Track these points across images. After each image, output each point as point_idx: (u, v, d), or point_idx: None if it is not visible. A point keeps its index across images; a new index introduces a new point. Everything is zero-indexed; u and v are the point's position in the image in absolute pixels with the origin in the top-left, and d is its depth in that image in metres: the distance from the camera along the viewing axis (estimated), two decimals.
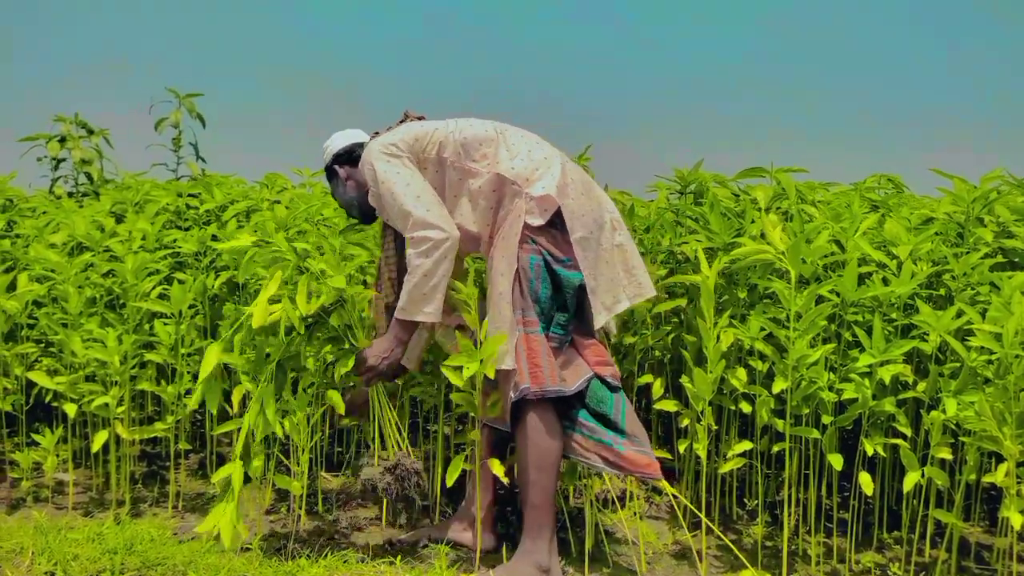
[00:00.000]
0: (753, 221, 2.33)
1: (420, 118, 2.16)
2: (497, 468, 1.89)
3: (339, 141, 2.19)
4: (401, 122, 2.16)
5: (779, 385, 1.93)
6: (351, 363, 1.97)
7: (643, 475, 1.91)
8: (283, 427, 1.86)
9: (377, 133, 2.13)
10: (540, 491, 1.85)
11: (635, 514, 2.33)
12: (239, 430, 1.87)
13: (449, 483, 1.90)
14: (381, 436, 2.01)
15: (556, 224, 1.92)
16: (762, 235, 2.25)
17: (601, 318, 1.94)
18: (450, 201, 2.02)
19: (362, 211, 2.17)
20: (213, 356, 1.94)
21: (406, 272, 1.94)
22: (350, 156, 2.15)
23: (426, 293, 1.90)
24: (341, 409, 1.98)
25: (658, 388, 2.28)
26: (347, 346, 2.01)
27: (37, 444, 2.32)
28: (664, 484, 1.93)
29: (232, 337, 1.98)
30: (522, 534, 1.89)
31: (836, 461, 1.91)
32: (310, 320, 2.00)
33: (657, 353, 2.53)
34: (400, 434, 2.02)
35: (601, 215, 2.00)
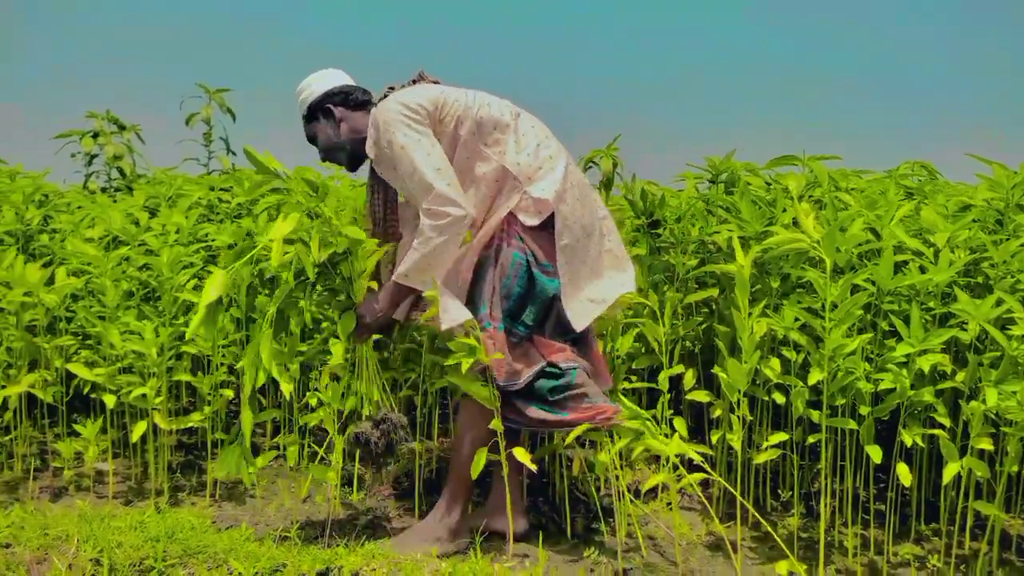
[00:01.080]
0: (785, 210, 2.31)
1: (435, 82, 2.11)
2: (523, 456, 1.89)
3: (328, 81, 2.11)
4: (415, 82, 2.11)
5: (815, 376, 1.91)
6: (349, 320, 1.98)
7: (595, 423, 1.92)
8: (277, 373, 1.89)
9: (392, 88, 2.08)
10: (466, 467, 1.94)
11: (667, 505, 2.32)
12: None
13: (474, 476, 1.90)
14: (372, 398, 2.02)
15: (547, 227, 1.94)
16: (795, 223, 2.22)
17: (581, 320, 1.96)
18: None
19: (351, 157, 2.12)
20: (219, 281, 1.90)
21: (390, 229, 2.00)
22: (346, 98, 2.09)
23: (432, 264, 1.91)
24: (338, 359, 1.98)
25: (689, 379, 2.27)
26: (343, 298, 2.02)
27: (77, 434, 2.37)
28: (657, 445, 1.88)
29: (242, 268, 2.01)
30: (439, 501, 2.02)
31: (875, 453, 1.88)
32: (318, 269, 1.99)
33: (688, 344, 2.51)
34: (387, 394, 2.04)
35: (592, 222, 2.03)
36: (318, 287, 2.06)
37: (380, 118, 1.97)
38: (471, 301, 1.96)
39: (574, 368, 1.95)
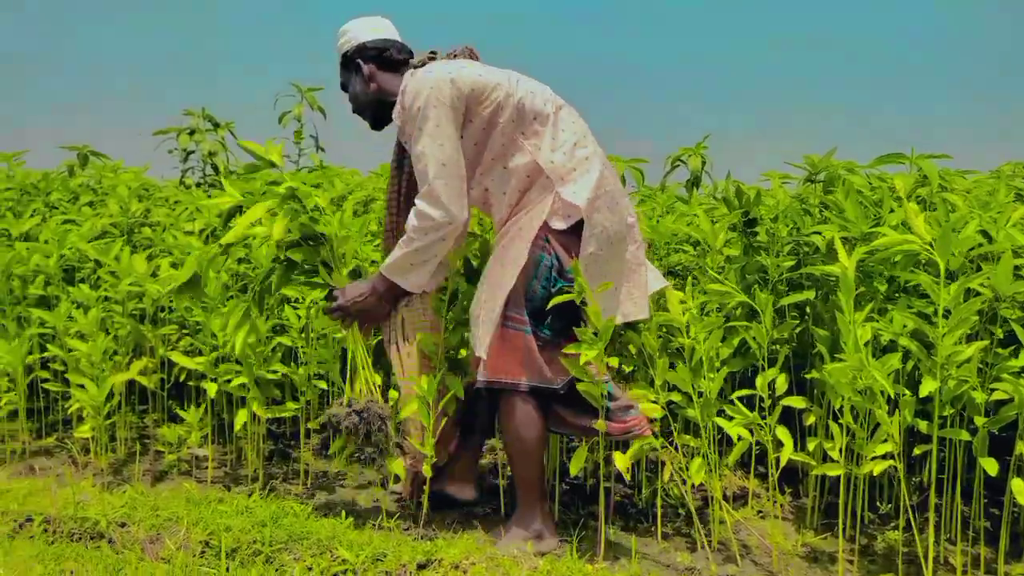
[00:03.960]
0: (892, 210, 2.21)
1: (476, 58, 2.05)
2: (620, 462, 1.87)
3: (367, 32, 2.03)
4: (456, 55, 2.02)
5: (928, 386, 1.82)
6: (322, 293, 2.05)
7: (627, 436, 1.92)
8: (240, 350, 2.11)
9: (434, 55, 2.02)
10: (526, 471, 1.94)
11: (758, 513, 2.27)
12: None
13: (573, 472, 1.92)
14: (352, 378, 2.05)
15: (574, 231, 1.89)
16: (902, 224, 2.14)
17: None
18: (486, 164, 1.94)
19: (375, 117, 2.07)
20: (190, 265, 2.20)
21: (397, 199, 2.01)
22: (380, 55, 2.01)
23: (414, 265, 1.90)
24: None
25: (782, 383, 2.20)
26: (318, 280, 2.05)
27: (177, 420, 2.46)
28: (803, 456, 1.86)
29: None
30: (514, 507, 1.99)
31: (990, 466, 1.79)
32: (284, 253, 2.05)
33: (781, 348, 2.44)
34: (372, 377, 2.04)
35: (621, 228, 1.96)
36: (295, 270, 2.10)
37: (412, 88, 1.89)
38: (504, 303, 1.90)
39: (608, 381, 1.91)
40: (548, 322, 1.91)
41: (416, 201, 1.87)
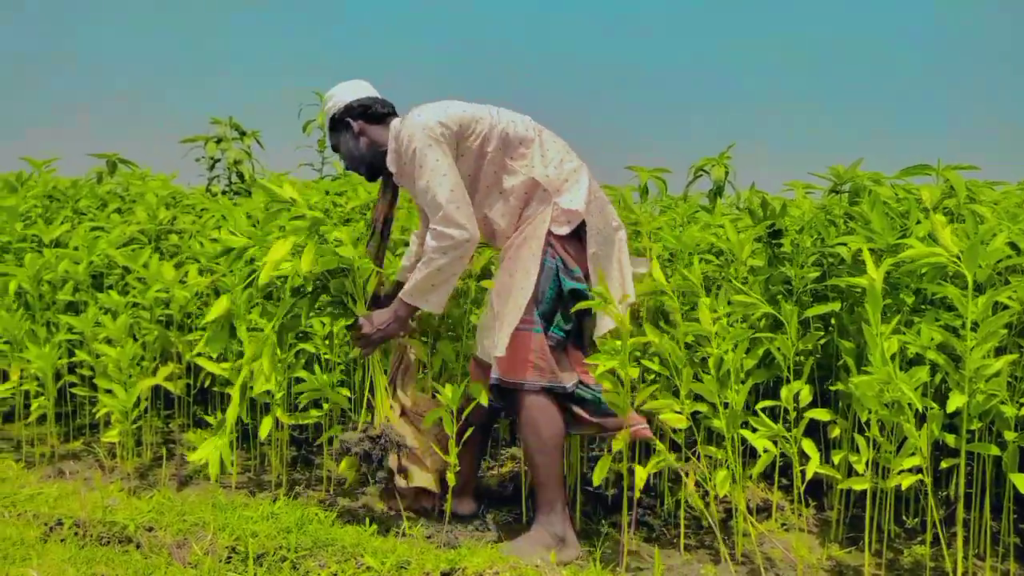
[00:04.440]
0: (919, 221, 2.20)
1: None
2: (639, 473, 1.87)
3: (350, 93, 2.19)
4: None
5: (956, 401, 1.80)
6: (348, 322, 2.11)
7: (634, 434, 1.97)
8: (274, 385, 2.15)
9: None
10: (545, 472, 1.97)
11: (782, 526, 2.25)
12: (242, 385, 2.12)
13: (596, 483, 1.93)
14: (370, 404, 2.13)
15: (574, 235, 2.02)
16: (929, 236, 2.12)
17: (601, 328, 2.03)
18: (482, 192, 2.08)
19: (371, 169, 2.21)
20: (223, 304, 2.16)
21: (381, 252, 2.13)
22: (366, 111, 2.16)
23: (435, 285, 2.00)
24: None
25: (806, 395, 2.19)
26: (347, 312, 2.14)
27: (202, 426, 2.49)
28: (829, 469, 1.86)
29: (241, 293, 2.19)
30: (535, 511, 2.01)
31: (1020, 482, 1.77)
32: (313, 284, 2.13)
33: (806, 360, 2.42)
34: (391, 400, 2.13)
35: (610, 233, 2.11)
36: (318, 303, 2.19)
37: (404, 132, 2.05)
38: (516, 306, 2.00)
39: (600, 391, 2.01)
40: (558, 323, 2.02)
41: (433, 227, 1.99)
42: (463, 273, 2.23)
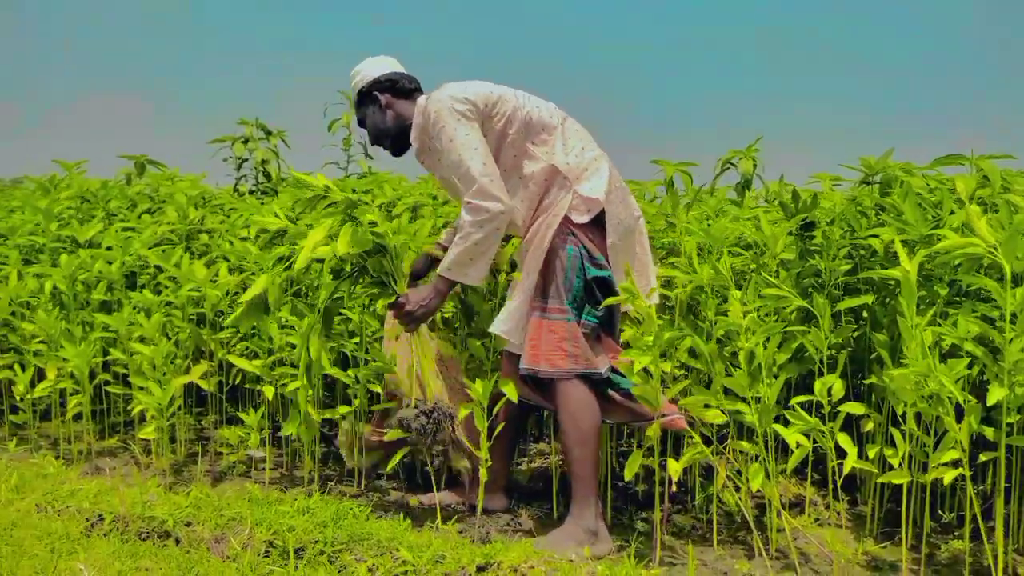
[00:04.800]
0: (952, 212, 2.17)
1: None
2: (672, 467, 1.86)
3: (378, 68, 2.20)
4: None
5: (996, 394, 1.77)
6: (389, 300, 2.13)
7: (667, 423, 1.99)
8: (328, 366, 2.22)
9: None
10: (583, 464, 1.97)
11: (815, 521, 2.23)
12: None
13: (628, 477, 1.95)
14: (420, 383, 2.15)
15: (595, 224, 2.03)
16: (963, 227, 2.09)
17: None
18: (502, 176, 2.07)
19: (395, 143, 2.23)
20: (261, 283, 2.19)
21: None
22: (393, 86, 2.18)
23: (473, 259, 2.00)
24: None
25: (839, 389, 2.17)
26: (389, 291, 2.15)
27: (234, 423, 2.52)
28: (866, 464, 1.84)
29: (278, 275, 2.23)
30: (570, 503, 2.01)
31: None
32: (353, 265, 2.17)
33: (840, 353, 2.40)
34: (437, 381, 2.15)
35: (632, 223, 2.12)
36: (360, 284, 2.22)
37: (431, 108, 2.06)
38: (543, 296, 2.02)
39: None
40: (589, 311, 2.03)
41: (468, 200, 1.99)
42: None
